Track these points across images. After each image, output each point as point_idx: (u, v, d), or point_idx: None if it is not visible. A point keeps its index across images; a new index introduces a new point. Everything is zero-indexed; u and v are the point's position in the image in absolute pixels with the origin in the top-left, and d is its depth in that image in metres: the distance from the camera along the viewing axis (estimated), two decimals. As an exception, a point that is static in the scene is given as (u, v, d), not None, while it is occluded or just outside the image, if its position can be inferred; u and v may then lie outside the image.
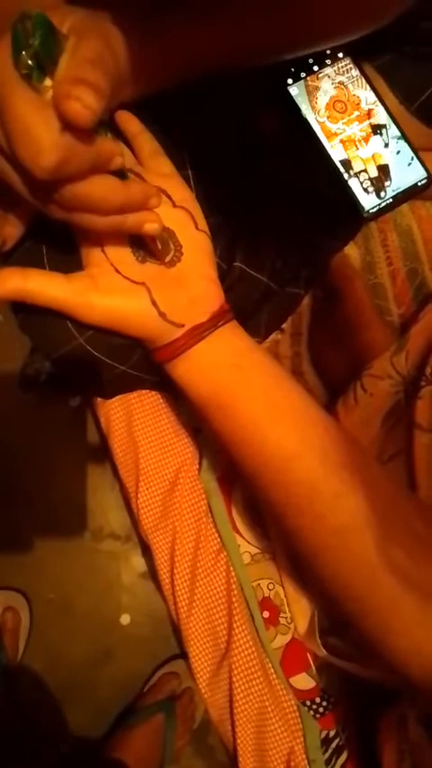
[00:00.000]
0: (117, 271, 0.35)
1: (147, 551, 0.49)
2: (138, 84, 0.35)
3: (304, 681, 0.46)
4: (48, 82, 0.27)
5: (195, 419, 0.48)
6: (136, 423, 0.49)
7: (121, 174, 0.32)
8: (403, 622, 0.31)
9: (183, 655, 1.07)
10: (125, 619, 1.05)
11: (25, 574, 1.04)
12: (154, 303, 0.35)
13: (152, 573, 1.08)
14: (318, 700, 0.45)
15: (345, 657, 0.43)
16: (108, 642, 1.04)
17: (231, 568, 0.47)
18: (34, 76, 0.27)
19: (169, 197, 0.37)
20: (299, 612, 0.46)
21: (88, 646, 1.04)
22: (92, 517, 1.07)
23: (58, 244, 0.38)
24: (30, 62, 0.26)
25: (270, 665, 0.46)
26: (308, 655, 0.47)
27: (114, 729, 0.97)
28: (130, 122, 0.38)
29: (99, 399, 0.50)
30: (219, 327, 0.36)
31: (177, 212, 0.37)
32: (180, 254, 0.36)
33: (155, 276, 0.36)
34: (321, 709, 0.45)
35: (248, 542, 0.48)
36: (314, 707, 0.45)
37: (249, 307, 0.43)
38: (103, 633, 1.05)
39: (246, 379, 0.36)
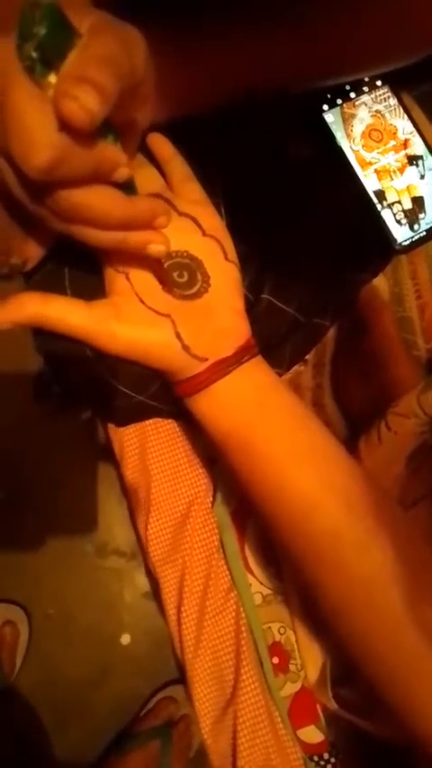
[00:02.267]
0: (141, 300, 0.34)
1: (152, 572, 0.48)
2: (165, 103, 0.34)
3: (312, 734, 0.44)
4: (53, 78, 0.25)
5: (212, 450, 0.47)
6: (150, 451, 0.47)
7: (128, 187, 0.30)
8: (427, 696, 0.29)
9: (182, 680, 1.04)
10: (125, 639, 1.03)
11: (26, 587, 1.03)
12: (178, 336, 0.33)
13: (156, 594, 1.05)
14: (326, 755, 0.43)
15: (357, 713, 0.41)
16: (106, 661, 1.02)
17: (241, 609, 0.45)
18: (37, 70, 0.25)
19: (199, 225, 0.35)
20: (310, 660, 0.44)
21: (86, 664, 1.02)
22: (97, 532, 1.05)
23: (82, 266, 0.37)
24: (33, 54, 0.24)
25: (277, 714, 0.44)
26: (317, 706, 0.44)
27: (109, 753, 0.95)
28: (162, 146, 0.37)
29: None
30: (243, 363, 0.34)
31: (207, 241, 0.35)
32: (207, 284, 0.35)
33: (180, 307, 0.34)
34: (329, 766, 0.43)
35: (261, 582, 0.46)
36: (322, 762, 0.43)
37: (274, 339, 0.41)
38: (102, 652, 1.02)
39: (269, 417, 0.34)
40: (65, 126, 0.25)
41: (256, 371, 0.35)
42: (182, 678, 0.48)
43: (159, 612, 1.01)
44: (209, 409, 0.35)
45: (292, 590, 0.46)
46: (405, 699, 0.30)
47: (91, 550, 1.06)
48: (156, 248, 0.32)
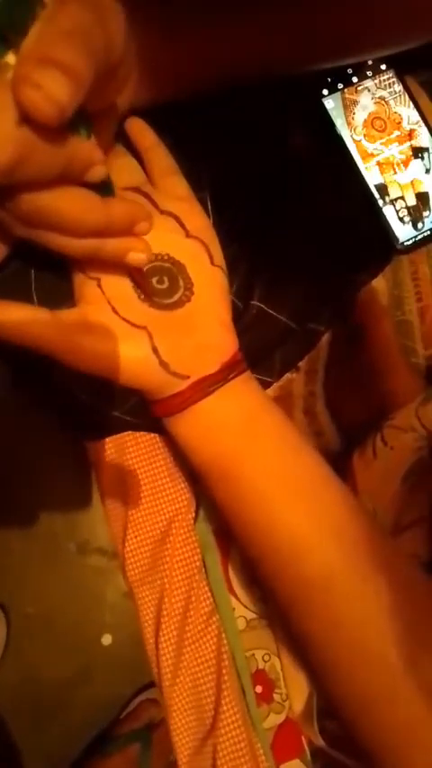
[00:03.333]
0: (114, 310, 0.30)
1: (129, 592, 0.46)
2: (146, 85, 0.30)
3: (297, 769, 0.41)
4: (11, 58, 0.21)
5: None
6: (128, 462, 0.43)
7: (104, 188, 0.27)
8: (425, 761, 0.26)
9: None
10: (107, 639, 1.00)
11: (6, 585, 1.00)
12: (155, 350, 0.30)
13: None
14: (311, 793, 0.40)
15: (345, 750, 0.39)
16: (87, 662, 0.99)
17: (223, 635, 0.43)
18: None
19: (182, 224, 0.31)
20: (296, 690, 0.42)
21: (67, 664, 0.99)
22: (79, 529, 1.02)
23: (50, 267, 0.33)
24: None
25: (260, 747, 0.41)
26: (302, 738, 0.42)
27: (88, 755, 0.93)
28: (143, 133, 0.33)
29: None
30: (229, 381, 0.31)
31: (191, 243, 0.32)
32: (190, 292, 0.31)
33: (159, 318, 0.30)
34: (314, 804, 0.40)
35: (245, 606, 0.43)
36: (306, 800, 0.40)
37: (264, 349, 0.38)
38: (83, 652, 1.00)
39: (257, 444, 0.31)
40: (27, 118, 0.20)
41: (244, 391, 0.32)
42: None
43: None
44: (190, 432, 0.31)
45: (277, 614, 0.43)
46: (396, 761, 0.27)
47: (73, 549, 1.03)
48: (136, 257, 0.28)
